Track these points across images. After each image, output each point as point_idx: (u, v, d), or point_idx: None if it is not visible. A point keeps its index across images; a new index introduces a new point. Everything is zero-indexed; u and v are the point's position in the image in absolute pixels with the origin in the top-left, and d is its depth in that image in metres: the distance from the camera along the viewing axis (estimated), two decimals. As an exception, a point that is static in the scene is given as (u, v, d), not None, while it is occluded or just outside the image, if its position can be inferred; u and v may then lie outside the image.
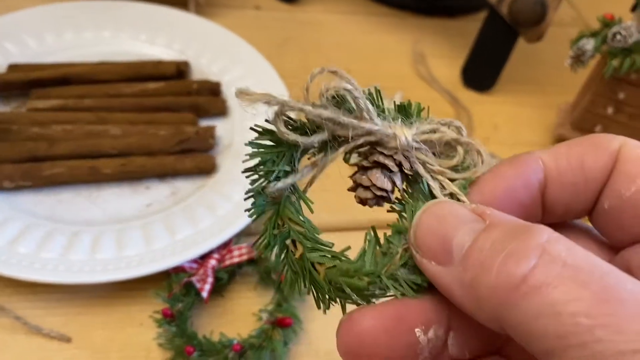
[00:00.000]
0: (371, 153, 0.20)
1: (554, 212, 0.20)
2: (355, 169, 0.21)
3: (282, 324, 0.40)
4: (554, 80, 0.67)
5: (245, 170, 0.20)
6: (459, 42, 0.68)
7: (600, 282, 0.15)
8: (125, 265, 0.40)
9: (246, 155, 0.20)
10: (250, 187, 0.20)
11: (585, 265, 0.15)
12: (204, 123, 0.51)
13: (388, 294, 0.19)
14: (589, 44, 0.49)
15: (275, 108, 0.19)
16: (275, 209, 0.21)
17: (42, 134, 0.45)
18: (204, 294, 0.39)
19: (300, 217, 0.21)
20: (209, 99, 0.51)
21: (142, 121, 0.48)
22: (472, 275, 0.16)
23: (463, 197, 0.19)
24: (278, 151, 0.20)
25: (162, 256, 0.40)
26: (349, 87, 0.19)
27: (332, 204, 0.50)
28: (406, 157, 0.20)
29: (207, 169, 0.47)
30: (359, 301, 0.19)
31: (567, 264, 0.15)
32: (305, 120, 0.20)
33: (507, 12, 0.56)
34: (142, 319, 0.41)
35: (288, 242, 0.20)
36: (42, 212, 0.43)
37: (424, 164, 0.20)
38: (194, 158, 0.47)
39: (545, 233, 0.16)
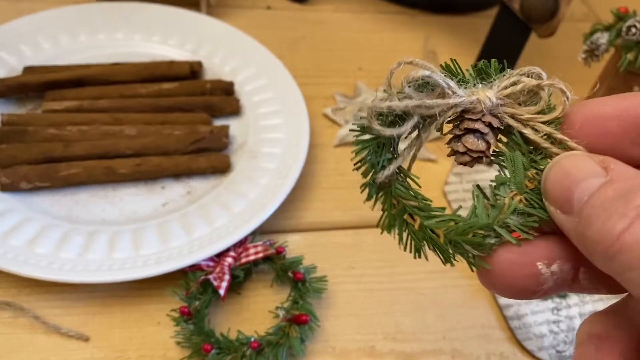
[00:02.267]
0: (461, 121, 0.22)
1: None
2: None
3: (298, 321, 0.40)
4: (566, 76, 0.65)
5: (355, 165, 0.22)
6: (470, 39, 0.68)
7: None
8: (143, 264, 0.40)
9: (352, 152, 0.22)
10: (363, 179, 0.23)
11: None
12: (218, 122, 0.51)
13: (503, 241, 0.21)
14: (603, 38, 0.49)
15: (369, 112, 0.22)
16: (388, 192, 0.23)
17: (58, 135, 0.46)
18: (221, 292, 0.39)
19: (411, 192, 0.23)
20: (223, 98, 0.52)
21: (157, 121, 0.48)
22: (583, 227, 0.19)
23: (559, 135, 0.21)
24: (378, 142, 0.22)
25: (178, 255, 0.41)
26: (426, 72, 0.21)
27: (345, 202, 0.50)
28: (494, 115, 0.22)
29: (222, 168, 0.47)
30: (480, 253, 0.21)
31: None
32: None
33: (519, 8, 0.56)
34: (159, 317, 0.41)
35: (406, 216, 0.23)
36: (59, 213, 0.44)
37: (512, 115, 0.22)
38: (208, 157, 0.47)
39: None
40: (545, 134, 0.21)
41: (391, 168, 0.22)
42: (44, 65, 0.52)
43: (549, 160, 0.21)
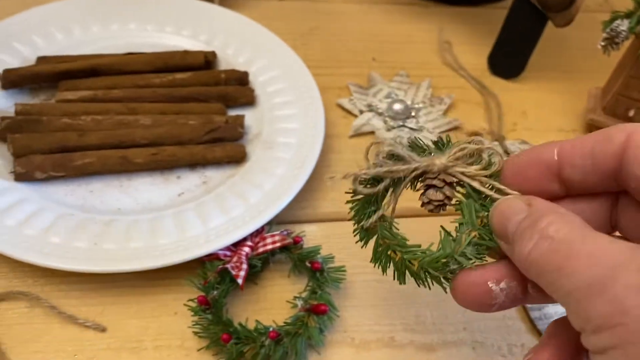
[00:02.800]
0: (423, 180, 0.30)
1: (572, 188, 0.27)
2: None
3: (317, 310, 0.39)
4: (582, 66, 0.66)
5: (351, 217, 0.31)
6: (484, 29, 0.67)
7: (565, 246, 0.23)
8: (160, 253, 0.39)
9: (348, 207, 0.30)
10: (355, 226, 0.31)
11: (561, 238, 0.23)
12: (232, 113, 0.51)
13: (463, 267, 0.27)
14: (623, 25, 0.48)
15: (352, 178, 0.29)
16: (374, 234, 0.30)
17: (72, 125, 0.45)
18: (239, 281, 0.39)
19: (392, 234, 0.30)
20: (237, 88, 0.51)
21: (172, 111, 0.48)
22: (512, 252, 0.25)
23: (498, 185, 0.28)
24: (366, 199, 0.30)
25: (196, 244, 0.40)
26: (395, 148, 0.29)
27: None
28: (448, 173, 0.29)
29: (237, 158, 0.47)
30: (446, 277, 0.28)
31: (552, 240, 0.23)
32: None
33: (536, -4, 0.55)
34: (176, 307, 0.40)
35: (389, 252, 0.30)
36: (74, 203, 0.43)
37: (462, 173, 0.29)
38: (224, 147, 0.46)
39: (548, 219, 0.24)
40: (489, 184, 0.28)
41: (373, 217, 0.30)
42: (58, 55, 0.51)
43: (493, 203, 0.28)
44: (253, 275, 0.42)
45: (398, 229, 0.31)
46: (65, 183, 0.44)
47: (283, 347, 0.37)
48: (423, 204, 0.30)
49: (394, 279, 0.30)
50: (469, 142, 0.29)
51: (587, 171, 0.26)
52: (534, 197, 0.26)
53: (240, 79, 0.52)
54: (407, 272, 0.29)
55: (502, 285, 0.26)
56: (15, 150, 0.43)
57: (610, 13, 0.50)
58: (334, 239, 0.46)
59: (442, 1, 0.71)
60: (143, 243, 0.40)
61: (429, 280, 0.29)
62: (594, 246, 0.22)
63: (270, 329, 0.38)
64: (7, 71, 0.48)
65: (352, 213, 0.31)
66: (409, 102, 0.56)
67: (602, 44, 0.50)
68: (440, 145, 0.30)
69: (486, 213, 0.28)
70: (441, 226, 0.29)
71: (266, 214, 0.42)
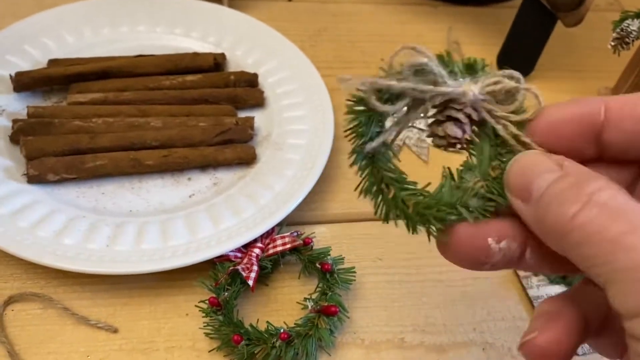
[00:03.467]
0: (445, 108, 0.25)
1: (610, 153, 0.25)
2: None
3: (327, 312, 0.39)
4: (591, 66, 0.65)
5: (346, 132, 0.25)
6: (493, 29, 0.67)
7: (624, 218, 0.20)
8: (171, 254, 0.40)
9: (345, 120, 0.25)
10: (352, 146, 0.25)
11: (616, 207, 0.20)
12: (242, 114, 0.51)
13: (462, 219, 0.24)
14: (633, 25, 0.48)
15: (367, 85, 0.24)
16: (371, 161, 0.25)
17: (83, 127, 0.46)
18: (250, 282, 0.39)
19: (391, 165, 0.26)
20: (247, 90, 0.51)
21: (182, 113, 0.48)
22: (542, 213, 0.22)
23: (525, 137, 0.24)
24: (369, 115, 0.25)
25: (207, 246, 0.40)
26: (425, 60, 0.23)
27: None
28: (474, 108, 0.24)
29: (248, 159, 0.47)
30: (441, 227, 0.25)
31: (604, 207, 0.20)
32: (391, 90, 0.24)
33: (546, -4, 0.55)
34: (187, 308, 0.41)
35: (382, 185, 0.25)
36: (86, 205, 0.43)
37: (489, 111, 0.25)
38: (234, 149, 0.47)
39: (596, 184, 0.21)
40: (512, 133, 0.24)
41: (378, 141, 0.25)
42: (69, 57, 0.52)
43: (513, 155, 0.24)
44: (263, 277, 0.42)
45: (400, 160, 0.26)
46: (77, 185, 0.45)
47: (294, 348, 0.38)
48: (434, 136, 0.26)
49: (376, 213, 0.26)
50: (505, 76, 0.25)
51: (635, 138, 0.24)
52: (565, 158, 0.23)
53: (250, 81, 0.52)
54: (397, 212, 0.25)
55: (503, 244, 0.24)
56: (28, 152, 0.44)
57: (620, 12, 0.50)
58: (344, 240, 0.46)
59: (450, 1, 0.71)
60: (154, 245, 0.40)
61: (420, 226, 0.25)
62: None
63: (281, 330, 0.38)
64: (19, 74, 0.48)
65: (350, 130, 0.26)
66: (418, 103, 0.56)
67: (612, 43, 0.50)
68: (473, 69, 0.25)
69: (500, 163, 0.25)
70: (447, 168, 0.26)
71: (277, 215, 0.43)
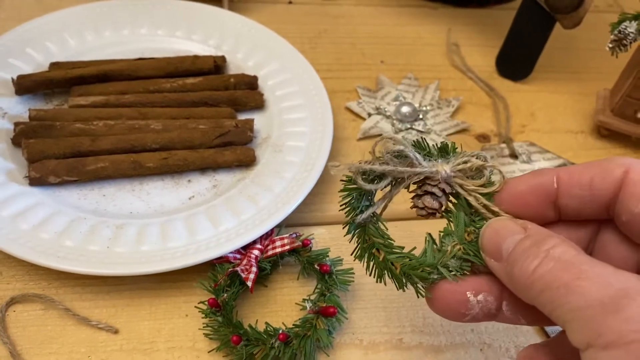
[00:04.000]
0: (423, 184, 0.30)
1: (567, 214, 0.29)
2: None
3: (326, 313, 0.39)
4: (590, 67, 0.66)
5: (341, 207, 0.31)
6: (492, 31, 0.67)
7: (574, 268, 0.24)
8: (171, 256, 0.40)
9: (340, 196, 0.30)
10: (346, 218, 0.31)
11: (568, 260, 0.25)
12: (242, 117, 0.51)
13: (443, 277, 0.29)
14: (631, 27, 0.48)
15: (354, 169, 0.29)
16: (362, 230, 0.31)
17: (84, 130, 0.46)
18: (249, 284, 0.39)
19: (380, 233, 0.31)
20: (246, 92, 0.52)
21: (182, 116, 0.49)
22: (510, 269, 0.26)
23: (493, 207, 0.29)
24: (359, 192, 0.30)
25: (206, 247, 0.41)
26: (401, 147, 0.29)
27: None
28: (447, 183, 0.30)
29: (247, 162, 0.47)
30: (425, 284, 0.29)
31: (558, 261, 0.25)
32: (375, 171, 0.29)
33: (544, -2, 0.55)
34: (187, 309, 0.41)
35: (374, 250, 0.31)
36: (87, 206, 0.44)
37: (461, 185, 0.30)
38: (233, 151, 0.47)
39: (552, 242, 0.26)
40: (482, 204, 0.29)
41: (367, 213, 0.30)
42: (70, 61, 0.52)
43: (484, 221, 0.29)
44: (262, 278, 0.43)
45: (387, 228, 0.31)
46: (78, 187, 0.45)
47: (292, 348, 0.38)
48: (416, 207, 0.31)
49: (369, 274, 0.31)
50: (473, 156, 0.30)
51: (584, 201, 0.28)
52: (528, 221, 0.28)
53: (250, 83, 0.53)
54: (386, 273, 0.30)
55: (480, 297, 0.28)
56: (30, 155, 0.44)
57: (618, 14, 0.50)
58: (342, 242, 0.46)
59: (450, 3, 0.71)
60: (155, 246, 0.41)
61: (407, 284, 0.30)
62: (601, 270, 0.24)
63: (280, 331, 0.38)
64: (21, 77, 0.49)
65: (344, 204, 0.31)
66: (416, 105, 0.57)
67: (610, 45, 0.50)
68: (445, 151, 0.30)
69: (474, 229, 0.30)
70: (428, 233, 0.31)
71: (276, 217, 0.43)
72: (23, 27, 0.54)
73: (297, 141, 0.49)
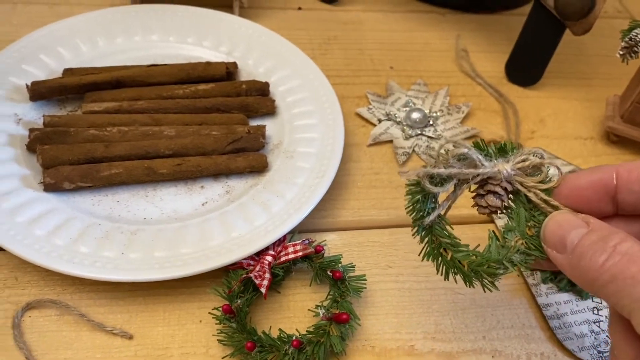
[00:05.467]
0: (485, 184, 0.32)
1: (624, 209, 0.31)
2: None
3: (339, 319, 0.40)
4: (599, 73, 0.66)
5: (407, 210, 0.33)
6: (501, 37, 0.67)
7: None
8: (184, 262, 0.40)
9: (406, 199, 0.33)
10: (412, 220, 0.34)
11: (634, 254, 0.26)
12: (253, 123, 0.52)
13: (509, 271, 0.31)
14: (642, 34, 0.48)
15: (421, 174, 0.32)
16: (429, 231, 0.33)
17: (98, 136, 0.47)
18: (263, 290, 0.40)
19: (446, 232, 0.33)
20: (258, 99, 0.52)
21: (195, 122, 0.49)
22: (576, 261, 0.28)
23: (553, 201, 0.31)
24: (425, 195, 0.33)
25: (219, 253, 0.41)
26: (465, 150, 0.31)
27: (381, 201, 0.50)
28: (508, 182, 0.31)
29: (260, 168, 0.47)
30: (492, 279, 0.31)
31: (625, 254, 0.27)
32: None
33: (554, 5, 0.55)
34: (201, 315, 0.41)
35: (441, 250, 0.33)
36: (101, 213, 0.44)
37: (521, 182, 0.31)
38: (246, 157, 0.47)
39: (618, 238, 0.27)
40: (543, 199, 0.31)
41: (434, 215, 0.33)
42: (83, 67, 0.53)
43: (544, 216, 0.31)
44: (275, 284, 0.43)
45: (452, 228, 0.34)
46: (92, 193, 0.45)
47: (306, 355, 0.38)
48: (478, 206, 0.33)
49: (439, 273, 0.33)
50: (531, 154, 0.31)
51: None
52: (589, 216, 0.30)
53: (261, 90, 0.53)
54: (455, 270, 0.33)
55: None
56: (44, 161, 0.45)
57: (628, 19, 0.51)
58: (354, 248, 0.47)
59: (459, 9, 0.71)
60: (168, 252, 0.41)
61: (475, 280, 0.32)
62: None
63: (294, 338, 0.39)
64: (35, 83, 0.49)
65: (410, 207, 0.33)
66: (426, 111, 0.57)
67: (621, 52, 0.50)
68: (504, 150, 0.32)
69: (534, 223, 0.31)
70: (492, 231, 0.33)
71: (288, 223, 0.43)
72: (36, 34, 0.54)
73: (309, 147, 0.49)
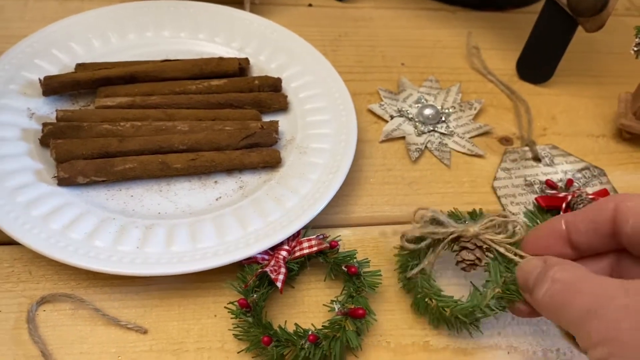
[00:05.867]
0: (458, 242, 0.40)
1: (580, 249, 0.35)
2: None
3: (355, 314, 0.40)
4: (611, 71, 0.66)
5: (395, 268, 0.43)
6: (512, 34, 0.67)
7: (573, 286, 0.31)
8: (201, 257, 0.40)
9: (395, 257, 0.43)
10: (399, 274, 0.43)
11: (569, 279, 0.31)
12: (266, 118, 0.52)
13: (487, 316, 0.38)
14: (656, 31, 0.48)
15: (402, 236, 0.41)
16: (415, 283, 0.41)
17: (112, 130, 0.46)
18: (279, 284, 0.39)
19: (429, 285, 0.40)
20: (271, 94, 0.52)
21: (208, 117, 0.49)
22: (532, 297, 0.34)
23: (521, 252, 0.38)
24: (409, 254, 0.42)
25: (235, 248, 0.41)
26: (436, 215, 0.40)
27: (394, 197, 0.50)
28: (478, 239, 0.39)
29: (273, 163, 0.47)
30: (473, 323, 0.39)
31: (562, 282, 0.31)
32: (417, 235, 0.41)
33: (567, 1, 0.55)
34: (216, 310, 0.41)
35: (427, 299, 0.40)
36: (115, 207, 0.44)
37: (492, 240, 0.39)
38: (260, 152, 0.47)
39: (555, 268, 0.33)
40: (513, 252, 0.38)
41: (417, 270, 0.40)
42: (96, 62, 0.52)
43: (515, 265, 0.37)
44: (290, 279, 0.43)
45: (435, 281, 0.41)
46: (106, 187, 0.45)
47: (322, 350, 0.38)
48: (457, 262, 0.40)
49: (428, 323, 0.41)
50: (497, 216, 0.39)
51: (590, 235, 0.35)
52: (549, 256, 0.34)
53: (274, 85, 0.53)
54: (439, 317, 0.39)
55: None
56: (58, 155, 0.44)
57: (638, 17, 0.50)
58: (367, 243, 0.47)
59: (470, 6, 0.71)
60: (184, 247, 0.41)
61: (458, 325, 0.39)
62: (592, 283, 0.30)
63: (310, 333, 0.39)
64: (48, 78, 0.49)
65: (397, 265, 0.42)
66: (439, 107, 0.57)
67: (635, 49, 0.50)
68: (474, 215, 0.42)
69: (509, 274, 0.37)
70: (471, 282, 0.40)
71: (303, 218, 0.43)
72: (48, 29, 0.54)
73: (321, 143, 0.49)
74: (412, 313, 0.43)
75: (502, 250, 0.38)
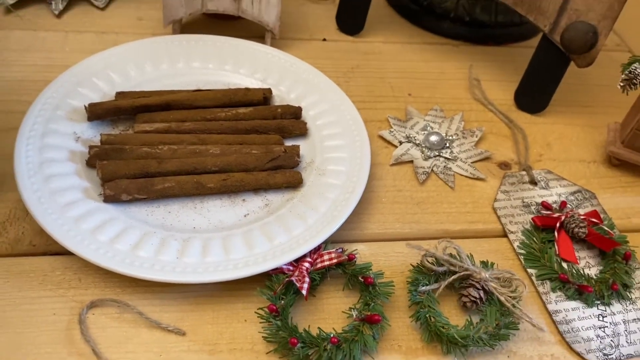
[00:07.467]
0: (467, 279, 0.48)
1: None
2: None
3: (371, 320, 0.44)
4: (601, 102, 0.71)
5: (408, 281, 0.49)
6: (510, 67, 0.73)
7: None
8: (233, 267, 0.45)
9: (409, 278, 0.49)
10: (410, 285, 0.49)
11: None
12: (288, 143, 0.57)
13: (477, 345, 0.45)
14: (640, 68, 0.54)
15: (426, 254, 0.49)
16: (421, 302, 0.47)
17: (151, 153, 0.52)
18: (304, 292, 0.44)
19: (434, 306, 0.46)
20: (292, 121, 0.57)
21: (236, 142, 0.54)
22: None
23: (518, 306, 0.46)
24: (423, 274, 0.48)
25: (263, 259, 0.46)
26: (459, 250, 0.48)
27: (404, 215, 0.55)
28: (485, 284, 0.47)
29: (295, 183, 0.52)
30: (461, 349, 0.45)
31: None
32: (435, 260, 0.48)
33: (560, 40, 0.61)
34: (246, 315, 0.46)
35: (428, 316, 0.45)
36: (155, 222, 0.49)
37: (495, 288, 0.46)
38: (283, 174, 0.52)
39: None
40: (512, 304, 0.46)
41: (425, 289, 0.47)
42: (134, 90, 0.58)
43: (510, 315, 0.46)
44: (312, 288, 0.47)
45: (439, 303, 0.47)
46: (146, 205, 0.50)
47: (343, 351, 0.43)
48: (460, 297, 0.47)
49: (424, 338, 0.46)
50: (506, 272, 0.47)
51: None
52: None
53: (295, 113, 0.58)
54: (435, 336, 0.45)
55: None
56: (104, 175, 0.49)
57: (626, 52, 0.56)
58: (380, 257, 0.51)
59: (471, 41, 0.77)
60: (217, 258, 0.46)
61: (448, 345, 0.45)
62: None
63: (332, 335, 0.43)
64: (92, 105, 0.54)
65: (410, 278, 0.48)
66: (443, 134, 0.62)
67: (622, 84, 0.56)
68: (485, 264, 0.49)
69: (502, 320, 0.45)
70: (469, 315, 0.47)
71: (323, 233, 0.48)
72: (89, 60, 0.60)
73: (338, 165, 0.55)
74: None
75: (502, 299, 0.46)
